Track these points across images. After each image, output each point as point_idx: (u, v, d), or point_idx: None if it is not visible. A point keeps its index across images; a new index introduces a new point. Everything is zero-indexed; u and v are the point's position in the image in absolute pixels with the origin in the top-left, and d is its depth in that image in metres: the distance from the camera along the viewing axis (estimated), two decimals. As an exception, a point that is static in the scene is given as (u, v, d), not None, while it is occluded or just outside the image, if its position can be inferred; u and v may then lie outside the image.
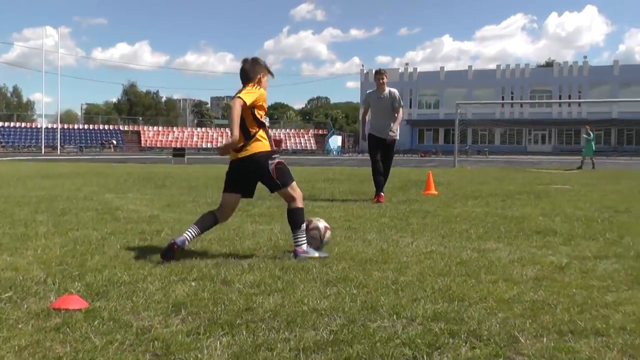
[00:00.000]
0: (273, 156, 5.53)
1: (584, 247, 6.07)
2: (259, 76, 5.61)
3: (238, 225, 7.34)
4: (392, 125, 10.55)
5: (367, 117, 11.10)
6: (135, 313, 3.61)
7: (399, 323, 3.45)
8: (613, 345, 3.11)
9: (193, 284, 4.32)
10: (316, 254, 5.36)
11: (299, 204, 5.57)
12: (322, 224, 5.85)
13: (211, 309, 3.68)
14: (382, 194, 10.49)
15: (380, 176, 10.63)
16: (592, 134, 29.15)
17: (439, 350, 3.03)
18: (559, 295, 4.07)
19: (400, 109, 10.69)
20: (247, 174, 5.60)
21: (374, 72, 10.95)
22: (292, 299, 3.93)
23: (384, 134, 10.61)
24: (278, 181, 5.54)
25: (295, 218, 5.53)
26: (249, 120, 5.46)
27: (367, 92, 11.10)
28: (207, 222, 5.60)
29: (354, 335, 3.20)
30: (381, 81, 10.64)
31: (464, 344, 3.11)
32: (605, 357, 2.95)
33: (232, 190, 5.70)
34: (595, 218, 8.39)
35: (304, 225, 5.57)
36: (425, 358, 2.94)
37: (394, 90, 10.75)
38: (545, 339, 3.19)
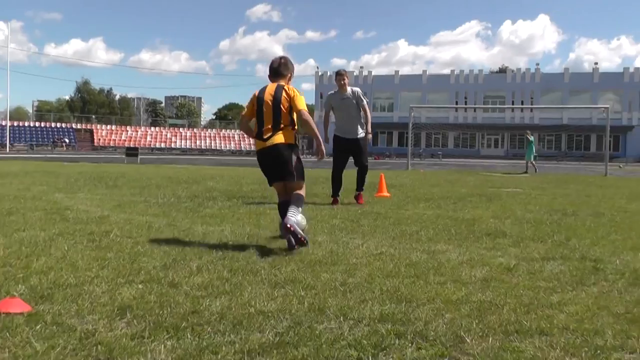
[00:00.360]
0: (296, 150, 6.27)
1: (532, 248, 6.16)
2: (289, 74, 6.42)
3: (188, 226, 7.27)
4: (360, 124, 10.54)
5: (329, 120, 10.97)
6: (79, 317, 3.53)
7: (345, 324, 3.44)
8: (556, 344, 3.16)
9: (140, 286, 4.24)
10: (301, 232, 5.76)
11: (304, 194, 6.30)
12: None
13: (157, 312, 3.61)
14: (337, 197, 10.51)
15: (338, 182, 10.62)
16: (532, 138, 29.79)
17: (385, 351, 3.03)
18: (506, 296, 4.12)
19: (367, 106, 10.67)
20: (271, 161, 6.23)
21: (334, 74, 10.82)
22: (239, 301, 3.90)
23: (351, 134, 10.55)
24: (294, 172, 6.20)
25: (298, 198, 6.15)
26: (285, 115, 6.14)
27: (329, 93, 10.95)
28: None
29: (300, 337, 3.19)
30: (342, 82, 10.51)
31: (410, 344, 3.12)
32: (549, 356, 2.99)
33: (273, 181, 6.42)
34: (544, 220, 8.53)
35: (301, 208, 6.13)
36: (370, 359, 2.94)
37: (357, 89, 10.71)
38: (491, 338, 3.22)
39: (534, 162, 29.12)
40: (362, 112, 10.58)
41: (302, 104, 6.12)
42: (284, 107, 6.07)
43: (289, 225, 5.67)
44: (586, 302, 4.01)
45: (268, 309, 3.70)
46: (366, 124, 10.59)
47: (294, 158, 6.16)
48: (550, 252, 5.93)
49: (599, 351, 3.08)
